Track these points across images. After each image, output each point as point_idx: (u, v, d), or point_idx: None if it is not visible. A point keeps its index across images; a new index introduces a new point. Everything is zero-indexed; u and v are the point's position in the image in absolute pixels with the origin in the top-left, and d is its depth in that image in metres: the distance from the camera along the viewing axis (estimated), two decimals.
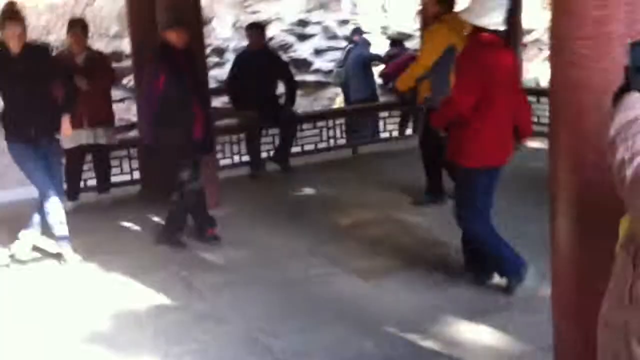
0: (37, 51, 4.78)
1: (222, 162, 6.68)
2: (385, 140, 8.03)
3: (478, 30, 3.69)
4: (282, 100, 7.27)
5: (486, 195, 3.85)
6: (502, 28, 3.73)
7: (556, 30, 2.20)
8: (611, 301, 1.69)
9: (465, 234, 4.01)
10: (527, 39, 10.04)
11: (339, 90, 11.66)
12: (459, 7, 4.86)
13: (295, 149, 7.38)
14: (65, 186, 5.62)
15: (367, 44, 9.66)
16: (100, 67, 6.03)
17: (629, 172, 1.40)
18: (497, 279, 3.97)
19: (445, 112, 3.90)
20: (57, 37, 10.60)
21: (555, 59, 2.24)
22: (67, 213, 5.57)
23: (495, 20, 3.68)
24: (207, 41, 8.50)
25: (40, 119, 4.60)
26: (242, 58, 7.04)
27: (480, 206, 3.84)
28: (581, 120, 2.14)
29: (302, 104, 10.68)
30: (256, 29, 7.12)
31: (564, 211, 2.33)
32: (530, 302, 3.66)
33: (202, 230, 5.00)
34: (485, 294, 3.87)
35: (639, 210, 1.42)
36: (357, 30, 9.82)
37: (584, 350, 1.88)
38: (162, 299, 4.05)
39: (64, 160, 5.63)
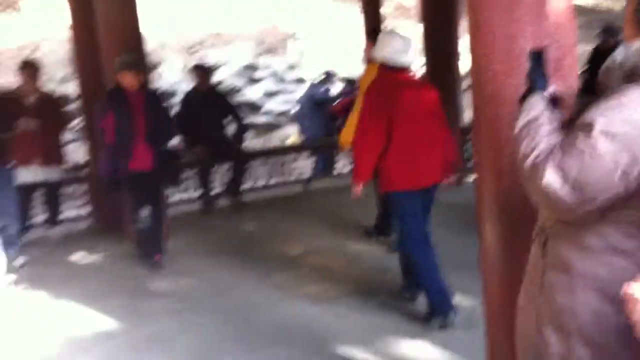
0: None
1: (174, 198, 6.75)
2: (338, 175, 8.24)
3: (385, 67, 3.94)
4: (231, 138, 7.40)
5: (414, 217, 3.91)
6: (407, 65, 3.93)
7: (473, 48, 2.42)
8: (525, 288, 1.85)
9: (400, 256, 4.19)
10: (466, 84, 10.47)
11: (289, 131, 11.91)
12: None
13: (246, 185, 7.51)
14: None
15: (323, 85, 9.98)
16: (52, 109, 6.11)
17: (528, 162, 1.59)
18: None
19: (361, 153, 3.91)
20: (3, 80, 10.58)
21: (475, 76, 2.44)
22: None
23: (400, 58, 3.89)
24: (156, 85, 8.65)
25: None
26: (190, 97, 7.18)
27: (409, 229, 3.90)
28: (497, 131, 2.34)
29: (255, 145, 10.85)
30: (201, 70, 7.32)
31: (488, 219, 2.48)
32: (472, 319, 3.77)
33: (147, 257, 5.17)
34: (437, 314, 3.91)
35: (536, 195, 1.60)
36: (329, 74, 10.16)
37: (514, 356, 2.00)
38: (112, 324, 4.08)
39: None
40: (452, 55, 7.29)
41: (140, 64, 5.19)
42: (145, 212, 5.05)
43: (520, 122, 1.71)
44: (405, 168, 3.84)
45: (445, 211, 4.44)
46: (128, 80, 5.00)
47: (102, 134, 5.04)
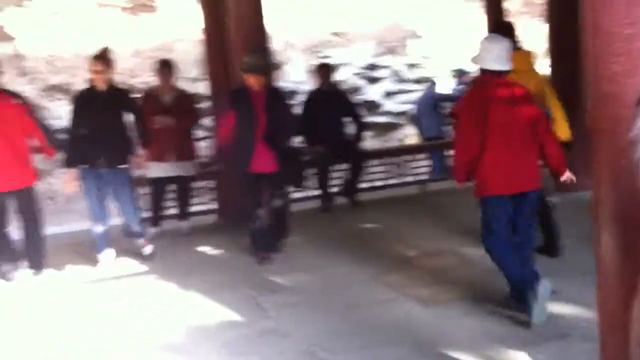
0: (118, 91, 5.47)
1: (295, 195, 6.97)
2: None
3: (484, 71, 4.02)
4: (350, 137, 7.53)
5: (498, 222, 4.00)
6: (505, 70, 3.98)
7: (591, 49, 2.38)
8: None
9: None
10: None
11: (409, 131, 11.89)
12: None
13: (364, 185, 7.62)
14: (149, 214, 6.26)
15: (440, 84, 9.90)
16: (186, 106, 6.46)
17: None
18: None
19: (456, 156, 4.12)
20: (141, 80, 11.31)
21: (591, 76, 2.41)
22: (149, 238, 6.12)
23: (498, 63, 3.96)
24: (281, 84, 8.91)
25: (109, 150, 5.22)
26: (313, 97, 7.34)
27: (491, 231, 4.01)
28: (616, 134, 2.28)
29: (373, 145, 10.93)
30: (324, 69, 7.44)
31: (604, 226, 2.43)
32: (589, 330, 3.66)
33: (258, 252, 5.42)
34: (548, 323, 3.86)
35: None
36: (461, 72, 10.04)
37: None
38: (232, 315, 4.31)
39: (147, 190, 6.19)
40: (578, 56, 7.01)
41: (265, 67, 5.28)
42: (261, 212, 5.25)
43: (639, 123, 1.68)
44: (498, 173, 3.91)
45: (566, 217, 4.32)
46: (252, 81, 5.13)
47: (219, 132, 5.28)
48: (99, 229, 5.31)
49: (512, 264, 4.00)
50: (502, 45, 4.00)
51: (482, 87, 4.02)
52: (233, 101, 5.19)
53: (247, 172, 5.18)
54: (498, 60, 3.95)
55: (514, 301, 4.05)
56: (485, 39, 4.17)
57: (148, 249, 5.66)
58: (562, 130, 4.77)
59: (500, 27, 5.40)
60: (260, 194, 5.27)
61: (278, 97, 5.35)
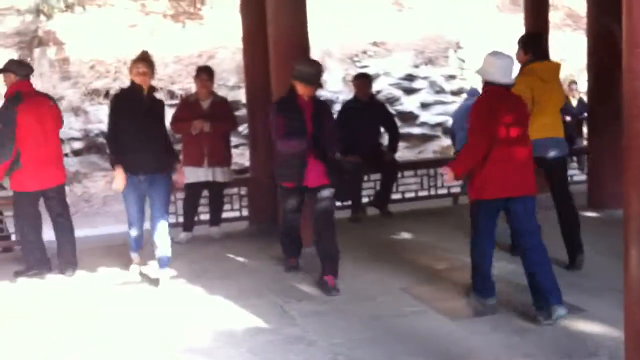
0: (156, 98, 5.32)
1: None
2: None
3: (489, 84, 4.30)
4: (384, 148, 7.53)
5: (484, 225, 4.42)
6: (508, 84, 4.29)
7: (627, 64, 2.36)
8: None
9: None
10: None
11: (443, 143, 11.81)
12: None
13: (395, 196, 7.60)
14: (182, 218, 6.33)
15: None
16: (224, 113, 6.53)
17: None
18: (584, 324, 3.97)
19: (466, 158, 4.36)
20: (181, 86, 11.50)
21: (627, 92, 2.37)
22: (181, 243, 6.22)
23: (502, 78, 4.25)
24: (318, 93, 8.95)
25: (148, 157, 5.03)
26: (349, 106, 7.35)
27: (479, 232, 4.45)
28: None
29: (407, 156, 10.90)
30: (363, 79, 7.43)
31: (634, 243, 2.39)
32: (616, 351, 3.61)
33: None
34: (574, 341, 3.85)
35: None
36: None
37: None
38: (258, 322, 4.34)
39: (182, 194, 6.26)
40: (616, 71, 6.91)
41: (317, 77, 4.94)
42: (296, 219, 5.23)
43: None
44: (494, 178, 4.21)
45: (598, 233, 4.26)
46: (302, 90, 4.88)
47: (273, 140, 5.04)
48: (134, 232, 5.31)
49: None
50: (506, 61, 4.28)
51: (487, 98, 4.31)
52: (280, 108, 4.96)
53: (294, 186, 4.99)
54: (503, 74, 4.24)
55: (476, 294, 4.51)
56: (490, 54, 4.39)
57: (165, 274, 5.23)
58: None
59: (529, 37, 5.47)
60: (299, 207, 5.17)
61: (323, 109, 5.12)
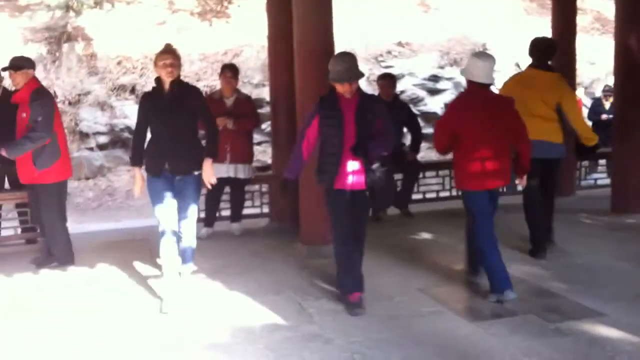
0: (186, 88, 4.91)
1: None
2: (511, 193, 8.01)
3: (471, 83, 4.63)
4: (406, 148, 7.52)
5: (481, 214, 4.74)
6: (489, 83, 4.61)
7: None
8: None
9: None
10: None
11: None
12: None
13: (416, 196, 7.58)
14: (203, 214, 6.37)
15: None
16: (247, 110, 6.57)
17: None
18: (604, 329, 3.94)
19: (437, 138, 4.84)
20: (206, 83, 11.58)
21: None
22: (201, 238, 6.27)
23: (483, 77, 4.57)
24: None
25: (179, 154, 4.77)
26: None
27: (477, 224, 4.74)
28: None
29: (430, 157, 10.87)
30: (387, 79, 7.43)
31: None
32: (635, 353, 3.61)
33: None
34: (593, 345, 3.82)
35: None
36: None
37: None
38: (276, 319, 4.37)
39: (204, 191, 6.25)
40: None
41: (350, 72, 4.47)
42: (348, 237, 4.52)
43: None
44: (475, 171, 4.62)
45: (621, 238, 4.21)
46: (340, 89, 4.50)
47: (302, 135, 4.63)
48: (162, 228, 4.83)
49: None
50: (488, 63, 4.58)
51: (469, 96, 4.69)
52: (319, 107, 4.59)
53: (332, 189, 4.55)
54: (484, 74, 4.55)
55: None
56: (474, 55, 4.73)
57: (188, 269, 5.07)
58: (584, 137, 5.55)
59: (534, 44, 5.56)
60: (346, 215, 4.55)
61: (371, 106, 4.59)
